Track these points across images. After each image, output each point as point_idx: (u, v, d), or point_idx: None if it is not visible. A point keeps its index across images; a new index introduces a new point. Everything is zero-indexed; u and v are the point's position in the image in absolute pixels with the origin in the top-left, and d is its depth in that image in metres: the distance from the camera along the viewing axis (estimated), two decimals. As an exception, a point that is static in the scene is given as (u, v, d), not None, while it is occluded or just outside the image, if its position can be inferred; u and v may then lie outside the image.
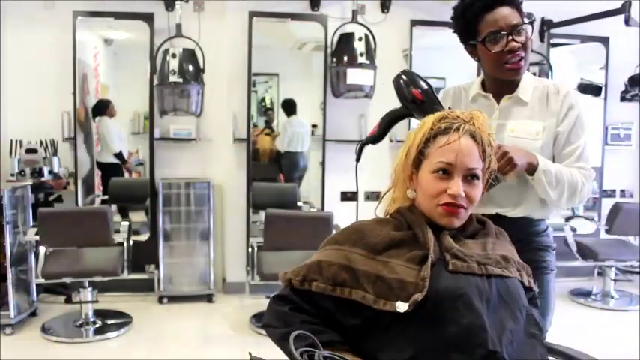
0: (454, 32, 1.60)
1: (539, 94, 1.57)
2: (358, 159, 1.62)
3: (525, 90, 1.57)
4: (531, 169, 1.46)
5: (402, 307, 1.06)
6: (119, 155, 4.31)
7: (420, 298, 1.06)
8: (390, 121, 1.57)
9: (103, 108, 4.22)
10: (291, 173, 4.44)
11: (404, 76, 1.48)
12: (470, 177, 1.18)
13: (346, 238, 1.21)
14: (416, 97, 1.44)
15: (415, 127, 1.32)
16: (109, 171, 4.31)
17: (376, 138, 1.59)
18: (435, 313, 1.06)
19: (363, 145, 1.61)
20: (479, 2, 1.49)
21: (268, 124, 4.53)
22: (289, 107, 4.40)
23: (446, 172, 1.17)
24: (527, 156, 1.44)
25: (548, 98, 1.56)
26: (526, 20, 1.52)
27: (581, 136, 1.54)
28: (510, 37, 1.47)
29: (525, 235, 1.55)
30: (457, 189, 1.15)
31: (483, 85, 1.63)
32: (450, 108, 1.47)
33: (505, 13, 1.48)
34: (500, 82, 1.58)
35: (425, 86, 1.46)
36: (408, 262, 1.13)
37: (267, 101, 4.59)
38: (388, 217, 1.30)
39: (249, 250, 3.64)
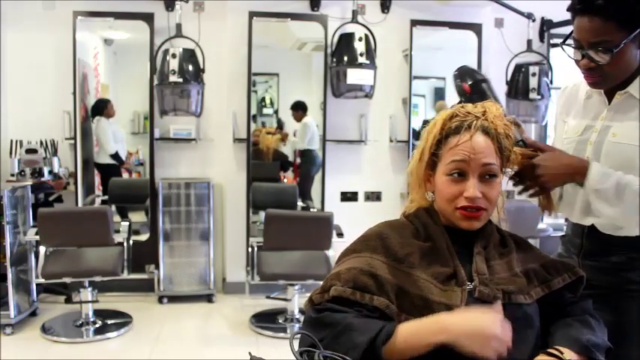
0: None
1: None
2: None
3: None
4: (580, 181, 1.26)
5: None
6: (115, 156, 4.31)
7: None
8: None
9: (100, 108, 4.22)
10: (311, 170, 4.42)
11: (457, 71, 1.43)
12: (486, 176, 1.11)
13: (364, 245, 1.14)
14: (465, 91, 1.38)
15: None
16: (107, 171, 4.31)
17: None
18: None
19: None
20: (572, 3, 1.27)
21: (279, 123, 4.55)
22: (303, 108, 4.41)
23: (461, 174, 1.11)
24: (571, 173, 1.25)
25: None
26: (606, 48, 1.23)
27: None
28: (583, 54, 1.26)
29: (632, 254, 1.32)
30: (473, 191, 1.09)
31: None
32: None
33: (588, 24, 1.22)
34: None
35: (475, 79, 1.38)
36: (432, 277, 1.08)
37: (267, 101, 4.59)
38: (404, 218, 1.23)
39: (249, 250, 3.64)
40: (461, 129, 1.11)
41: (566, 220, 1.49)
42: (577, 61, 1.30)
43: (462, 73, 1.42)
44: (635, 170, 1.25)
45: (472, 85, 1.38)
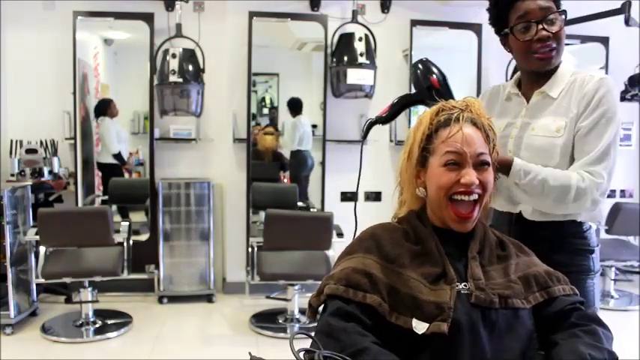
0: (490, 24, 1.58)
1: (568, 88, 1.47)
2: (365, 137, 1.55)
3: (557, 84, 1.48)
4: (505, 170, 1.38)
5: (420, 328, 1.02)
6: (118, 156, 4.31)
7: (446, 329, 1.01)
8: (402, 104, 1.55)
9: (103, 108, 4.23)
10: (300, 172, 4.42)
11: (422, 64, 1.49)
12: (480, 164, 1.14)
13: (358, 247, 1.16)
14: (433, 85, 1.44)
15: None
16: (109, 171, 4.31)
17: (386, 119, 1.56)
18: (445, 342, 1.02)
19: (371, 124, 1.55)
20: None
21: (272, 122, 4.53)
22: (297, 106, 4.40)
23: (456, 164, 1.13)
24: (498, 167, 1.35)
25: (573, 92, 1.45)
26: (559, 10, 1.43)
27: (603, 135, 1.39)
28: (540, 26, 1.41)
29: (557, 238, 1.46)
30: (470, 178, 1.11)
31: (519, 83, 1.58)
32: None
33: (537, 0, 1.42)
34: (533, 77, 1.51)
35: (441, 76, 1.46)
36: (422, 277, 1.09)
37: (267, 101, 4.59)
38: (396, 222, 1.24)
39: (249, 250, 3.64)
40: (450, 121, 1.15)
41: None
42: (529, 42, 1.43)
43: (429, 67, 1.48)
44: (551, 157, 1.44)
45: (440, 81, 1.45)
